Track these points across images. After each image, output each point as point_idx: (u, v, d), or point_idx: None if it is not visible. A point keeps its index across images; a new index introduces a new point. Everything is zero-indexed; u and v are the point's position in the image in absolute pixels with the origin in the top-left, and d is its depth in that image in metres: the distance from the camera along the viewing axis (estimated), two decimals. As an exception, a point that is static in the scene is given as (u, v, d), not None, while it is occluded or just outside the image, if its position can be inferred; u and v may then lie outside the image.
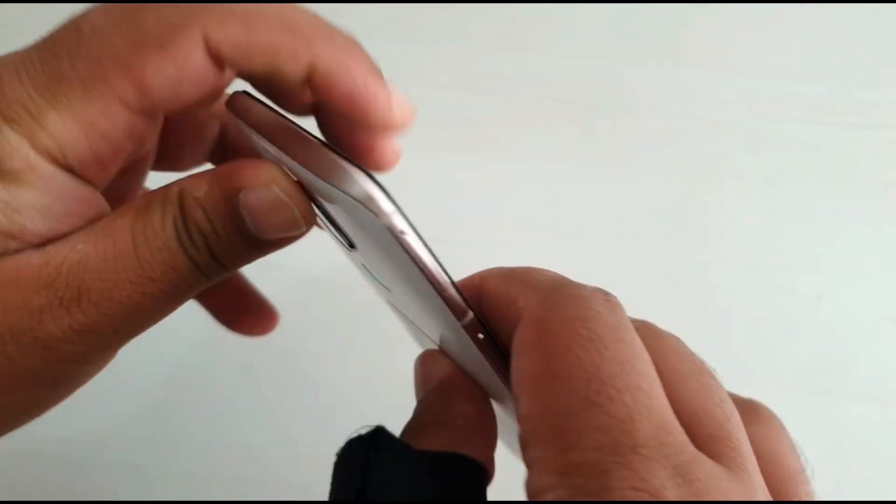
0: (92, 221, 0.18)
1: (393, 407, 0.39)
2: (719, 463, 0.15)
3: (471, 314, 0.18)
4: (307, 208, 0.19)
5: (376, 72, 0.20)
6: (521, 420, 0.16)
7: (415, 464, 0.18)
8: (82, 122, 0.17)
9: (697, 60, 0.45)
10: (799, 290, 0.41)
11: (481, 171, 0.43)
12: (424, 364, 0.22)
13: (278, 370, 0.40)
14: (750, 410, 0.20)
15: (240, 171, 0.18)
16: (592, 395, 0.15)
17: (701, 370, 0.18)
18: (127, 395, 0.40)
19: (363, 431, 0.19)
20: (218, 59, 0.18)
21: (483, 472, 0.19)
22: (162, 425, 0.40)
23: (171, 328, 0.40)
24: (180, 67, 0.17)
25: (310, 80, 0.19)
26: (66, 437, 0.39)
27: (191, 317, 0.42)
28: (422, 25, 0.46)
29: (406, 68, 0.45)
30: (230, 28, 0.17)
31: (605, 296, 0.17)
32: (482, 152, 0.44)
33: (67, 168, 0.17)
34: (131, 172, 0.23)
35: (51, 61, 0.17)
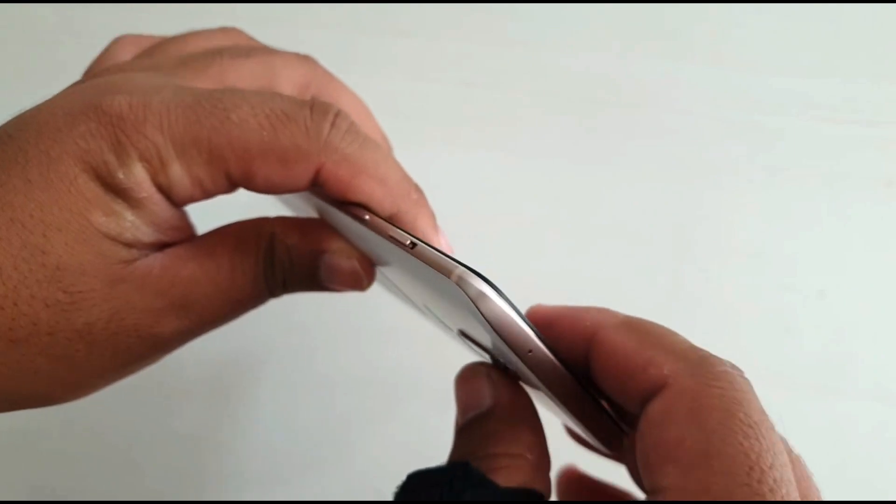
0: (180, 234, 0.23)
1: (393, 403, 0.39)
2: None
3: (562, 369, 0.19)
4: (370, 275, 0.24)
5: (434, 223, 0.25)
6: (664, 488, 0.17)
7: (500, 501, 0.19)
8: (194, 179, 0.21)
9: (698, 57, 0.45)
10: (800, 287, 0.41)
11: (479, 165, 0.43)
12: (472, 380, 0.23)
13: (279, 366, 0.40)
14: None
15: (326, 236, 0.24)
16: (754, 484, 0.16)
17: (796, 455, 0.20)
18: (127, 393, 0.40)
19: (445, 466, 0.20)
20: (317, 184, 0.22)
21: (545, 501, 0.20)
22: (163, 422, 0.40)
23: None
24: (287, 181, 0.22)
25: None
26: (68, 432, 0.39)
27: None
28: (420, 21, 0.46)
29: (405, 64, 0.45)
30: (341, 171, 0.22)
31: (741, 373, 0.19)
32: (480, 147, 0.43)
33: (172, 203, 0.22)
34: None
35: (193, 125, 0.21)
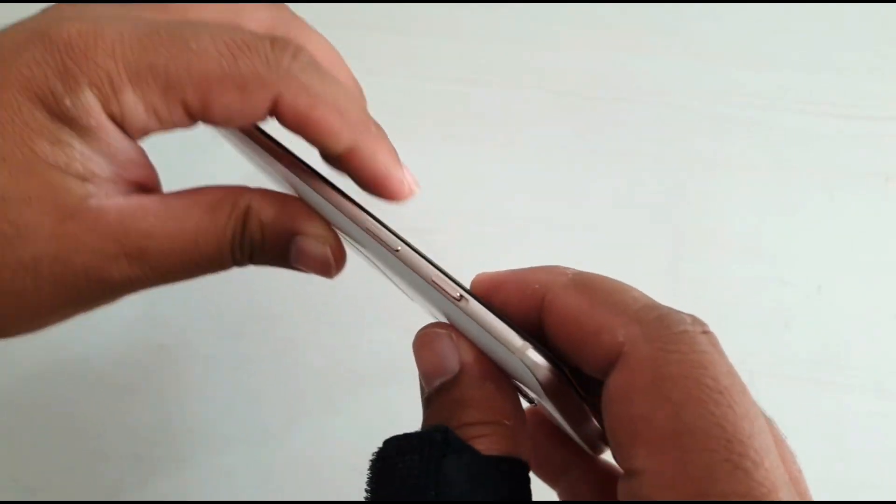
0: (141, 172, 0.22)
1: (392, 397, 0.39)
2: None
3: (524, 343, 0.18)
4: (341, 261, 0.24)
5: (396, 157, 0.24)
6: (638, 470, 0.16)
7: (484, 469, 0.18)
8: (148, 107, 0.21)
9: (695, 53, 0.45)
10: (799, 283, 0.41)
11: (477, 162, 0.43)
12: (436, 344, 0.21)
13: (279, 362, 0.40)
14: None
15: (303, 217, 0.23)
16: (735, 459, 0.15)
17: (769, 418, 0.18)
18: (129, 390, 0.40)
19: (422, 432, 0.19)
20: (274, 116, 0.22)
21: (528, 469, 0.19)
22: (164, 417, 0.40)
23: (172, 321, 0.40)
24: (245, 110, 0.21)
25: (343, 156, 0.23)
26: (71, 427, 0.39)
27: (193, 312, 0.42)
28: (419, 20, 0.46)
29: (404, 61, 0.45)
30: (299, 101, 0.21)
31: (704, 328, 0.17)
32: (478, 144, 0.44)
33: (126, 134, 0.21)
34: None
35: (149, 52, 0.20)
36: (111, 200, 0.21)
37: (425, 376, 0.21)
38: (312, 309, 0.41)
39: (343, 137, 0.22)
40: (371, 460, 0.19)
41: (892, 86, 0.44)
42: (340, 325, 0.41)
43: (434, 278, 0.20)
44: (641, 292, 0.19)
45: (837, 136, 0.44)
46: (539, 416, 0.24)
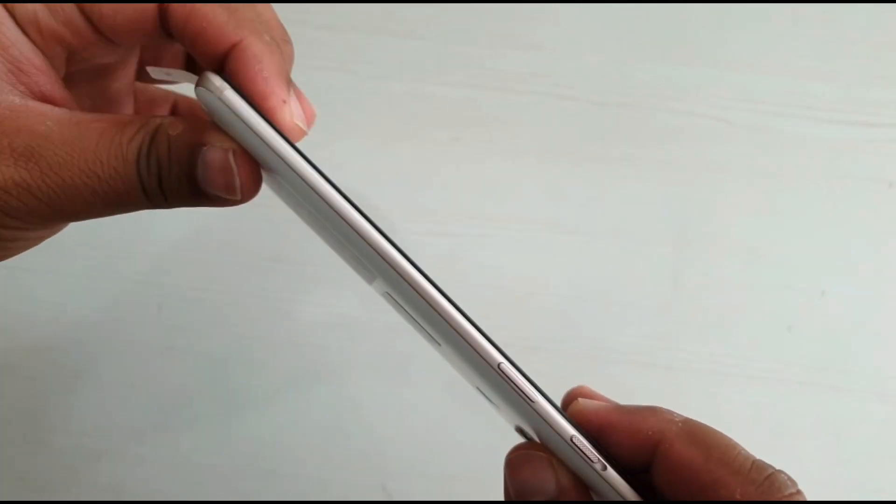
0: (44, 81, 0.21)
1: (397, 401, 0.39)
2: None
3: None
4: (249, 183, 0.21)
5: (284, 76, 0.21)
6: None
7: None
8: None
9: (699, 58, 0.45)
10: (802, 287, 0.41)
11: (485, 166, 0.43)
12: (533, 466, 0.22)
13: (284, 362, 0.41)
14: None
15: (210, 130, 0.21)
16: None
17: None
18: (132, 386, 0.40)
19: None
20: (164, 18, 0.21)
21: None
22: (169, 416, 0.40)
23: (176, 320, 0.41)
24: (134, 9, 0.21)
25: (225, 56, 0.21)
26: (75, 428, 0.40)
27: (193, 308, 0.42)
28: (428, 24, 0.46)
29: (412, 65, 0.45)
30: None
31: (797, 487, 0.20)
32: (485, 148, 0.44)
33: (13, 17, 0.20)
34: (101, 85, 0.26)
35: None
36: (4, 99, 0.20)
37: (518, 491, 0.22)
38: (314, 308, 0.41)
39: (228, 30, 0.20)
40: None
41: (894, 92, 0.44)
42: (343, 325, 0.41)
43: (574, 441, 0.21)
44: (744, 448, 0.21)
45: (841, 142, 0.44)
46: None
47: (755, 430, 0.39)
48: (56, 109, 0.21)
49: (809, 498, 0.37)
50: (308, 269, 0.41)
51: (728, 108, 0.45)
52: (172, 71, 0.24)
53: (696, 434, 0.21)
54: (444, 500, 0.40)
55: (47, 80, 0.21)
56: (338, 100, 0.44)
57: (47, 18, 0.20)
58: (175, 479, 0.39)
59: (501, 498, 0.25)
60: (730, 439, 0.21)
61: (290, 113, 0.21)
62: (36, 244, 0.23)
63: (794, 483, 0.20)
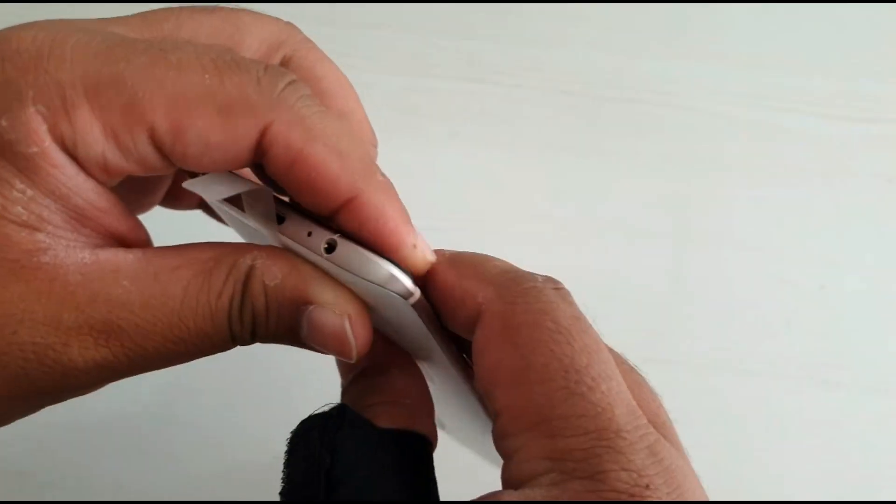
0: (111, 221, 0.18)
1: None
2: (668, 442, 0.17)
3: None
4: (365, 345, 0.19)
5: (406, 217, 0.19)
6: (498, 410, 0.17)
7: (379, 442, 0.19)
8: (107, 131, 0.17)
9: (700, 54, 0.45)
10: (802, 282, 0.41)
11: (485, 160, 0.43)
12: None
13: (288, 357, 0.41)
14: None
15: (316, 281, 0.19)
16: (572, 386, 0.16)
17: (631, 365, 0.20)
18: (133, 380, 0.40)
19: (326, 409, 0.20)
20: (259, 155, 0.18)
21: (431, 445, 0.21)
22: (168, 412, 0.40)
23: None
24: (225, 142, 0.17)
25: (342, 209, 0.18)
26: (72, 423, 0.40)
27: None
28: (428, 18, 0.46)
29: (413, 60, 0.45)
30: (293, 134, 0.17)
31: (555, 284, 0.18)
32: (486, 143, 0.44)
33: (77, 161, 0.17)
34: (144, 189, 0.24)
35: (117, 63, 0.16)
36: (72, 256, 0.17)
37: (342, 371, 0.23)
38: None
39: (342, 184, 0.18)
40: (287, 438, 0.20)
41: (894, 88, 0.44)
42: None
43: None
44: (504, 261, 0.20)
45: (841, 138, 0.44)
46: None
47: (753, 424, 0.39)
48: (129, 258, 0.17)
49: (808, 497, 0.38)
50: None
51: (728, 104, 0.45)
52: (229, 180, 0.19)
53: (457, 258, 0.20)
54: (444, 501, 0.40)
55: (115, 219, 0.18)
56: (337, 94, 0.44)
57: (117, 160, 0.17)
58: (176, 476, 0.39)
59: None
60: (490, 257, 0.20)
61: (422, 253, 0.19)
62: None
63: (549, 280, 0.18)
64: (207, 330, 0.18)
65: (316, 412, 0.20)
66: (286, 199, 0.19)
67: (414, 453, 0.20)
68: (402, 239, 0.18)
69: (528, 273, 0.19)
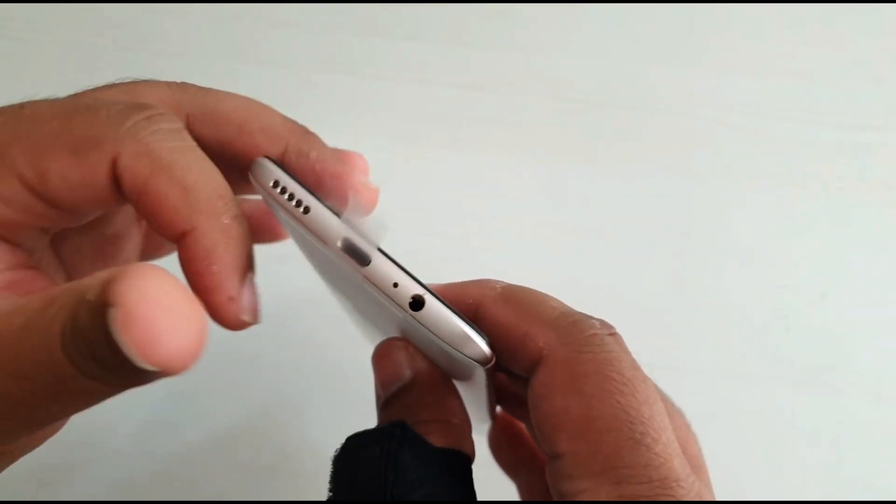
0: (7, 272, 0.19)
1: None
2: (703, 484, 0.18)
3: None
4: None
5: (237, 268, 0.19)
6: (561, 453, 0.18)
7: (434, 458, 0.20)
8: None
9: (699, 61, 0.46)
10: (802, 290, 0.42)
11: (488, 168, 0.44)
12: (391, 355, 0.23)
13: (290, 357, 0.41)
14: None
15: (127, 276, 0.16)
16: (637, 437, 0.17)
17: (679, 410, 0.21)
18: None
19: (383, 427, 0.21)
20: (118, 184, 0.18)
21: (471, 462, 0.22)
22: (175, 412, 0.40)
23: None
24: (84, 179, 0.18)
25: (178, 242, 0.19)
26: (79, 422, 0.40)
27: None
28: (428, 25, 0.46)
29: (413, 66, 0.46)
30: (139, 165, 0.18)
31: (611, 330, 0.20)
32: (485, 150, 0.44)
33: None
34: (105, 233, 0.24)
35: None
36: None
37: (382, 383, 0.23)
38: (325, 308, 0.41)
39: (180, 217, 0.18)
40: (334, 456, 0.21)
41: (894, 95, 0.45)
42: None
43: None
44: (560, 301, 0.21)
45: (841, 146, 0.44)
46: (506, 420, 0.27)
47: (753, 430, 0.39)
48: (1, 303, 0.17)
49: (808, 498, 0.38)
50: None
51: (728, 111, 0.45)
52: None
53: (511, 295, 0.21)
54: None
55: (9, 272, 0.19)
56: (338, 101, 0.45)
57: (4, 210, 0.18)
58: (179, 475, 0.39)
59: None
60: (545, 296, 0.21)
61: (237, 309, 0.19)
62: (27, 452, 0.20)
63: (605, 325, 0.20)
64: (41, 358, 0.16)
65: (373, 428, 0.21)
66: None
67: (462, 473, 0.21)
68: (220, 285, 0.18)
69: (586, 317, 0.20)
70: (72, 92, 0.21)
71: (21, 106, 0.19)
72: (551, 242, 0.42)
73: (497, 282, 0.22)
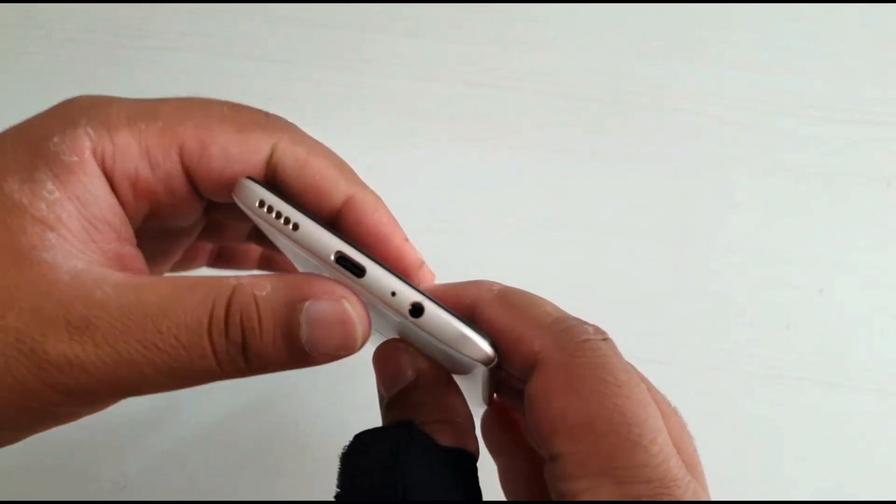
0: (116, 242, 0.20)
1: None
2: (698, 483, 0.19)
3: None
4: (368, 328, 0.21)
5: (396, 221, 0.23)
6: (559, 454, 0.19)
7: (441, 457, 0.21)
8: (142, 148, 0.20)
9: (700, 57, 0.46)
10: (801, 284, 0.42)
11: (485, 163, 0.44)
12: (392, 356, 0.23)
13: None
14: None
15: (312, 281, 0.20)
16: (635, 438, 0.18)
17: (674, 408, 0.22)
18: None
19: (391, 425, 0.22)
20: (273, 168, 0.21)
21: (476, 460, 0.22)
22: (175, 412, 0.40)
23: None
24: (243, 154, 0.21)
25: (343, 207, 0.22)
26: (78, 422, 0.40)
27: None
28: (431, 22, 0.46)
29: (413, 63, 0.45)
30: (298, 148, 0.21)
31: (604, 336, 0.20)
32: (486, 146, 0.44)
33: (110, 177, 0.20)
34: (168, 241, 0.26)
35: (153, 104, 0.20)
36: (69, 261, 0.18)
37: (385, 384, 0.23)
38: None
39: (342, 186, 0.22)
40: (342, 454, 0.21)
41: (894, 90, 0.45)
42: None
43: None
44: (555, 306, 0.21)
45: (839, 141, 0.44)
46: (500, 405, 0.28)
47: (753, 426, 0.39)
48: (118, 274, 0.19)
49: (808, 497, 0.38)
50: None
51: (727, 107, 0.45)
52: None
53: (507, 298, 0.22)
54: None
55: (120, 244, 0.20)
56: (339, 97, 0.45)
57: (147, 173, 0.20)
58: (177, 474, 0.39)
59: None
60: (541, 300, 0.21)
61: (413, 247, 0.23)
62: (90, 414, 0.21)
63: (598, 331, 0.20)
64: (181, 339, 0.18)
65: (381, 427, 0.22)
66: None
67: (467, 471, 0.21)
68: (394, 230, 0.22)
69: (579, 322, 0.20)
70: (71, 92, 0.22)
71: (189, 99, 0.21)
72: (551, 238, 0.42)
73: (494, 283, 0.22)
